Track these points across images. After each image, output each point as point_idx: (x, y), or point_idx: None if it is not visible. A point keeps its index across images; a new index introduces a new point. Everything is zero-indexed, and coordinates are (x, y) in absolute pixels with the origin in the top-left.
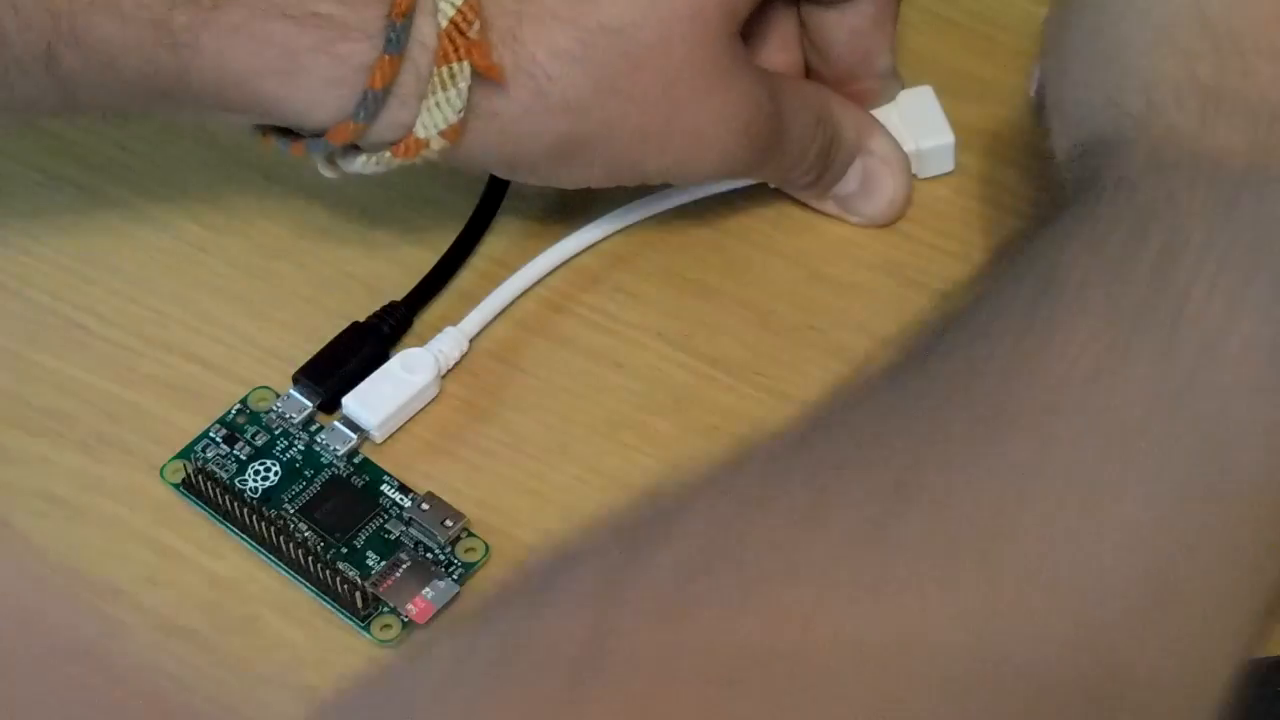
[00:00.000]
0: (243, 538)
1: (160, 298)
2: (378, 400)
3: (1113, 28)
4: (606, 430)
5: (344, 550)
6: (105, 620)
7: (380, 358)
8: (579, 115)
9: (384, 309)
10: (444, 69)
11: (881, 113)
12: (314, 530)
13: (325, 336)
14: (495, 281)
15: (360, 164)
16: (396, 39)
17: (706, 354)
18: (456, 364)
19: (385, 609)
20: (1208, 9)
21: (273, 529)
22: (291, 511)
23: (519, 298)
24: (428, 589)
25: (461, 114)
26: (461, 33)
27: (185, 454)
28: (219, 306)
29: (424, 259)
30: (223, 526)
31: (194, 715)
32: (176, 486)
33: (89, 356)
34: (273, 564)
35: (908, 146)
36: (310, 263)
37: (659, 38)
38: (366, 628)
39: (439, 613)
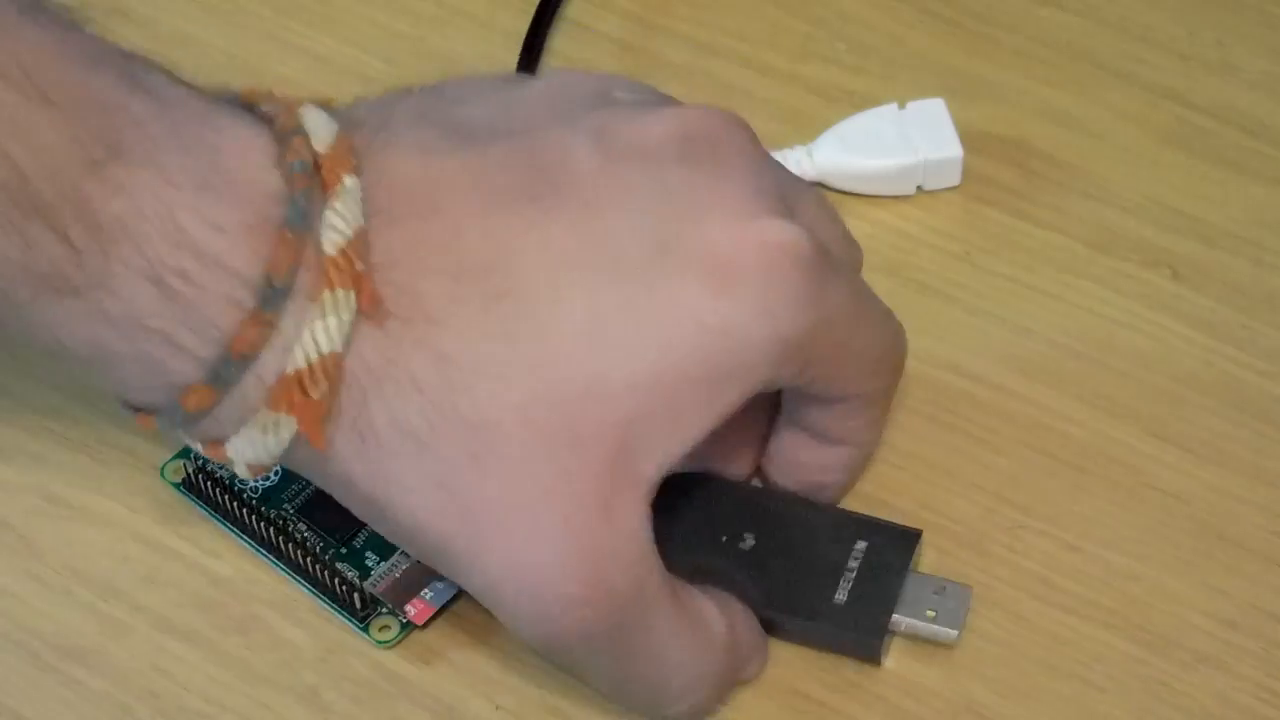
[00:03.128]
0: (243, 538)
1: None
2: None
3: None
4: None
5: (343, 551)
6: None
7: None
8: (395, 490)
9: None
10: (268, 415)
11: (891, 121)
12: (313, 530)
13: None
14: None
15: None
16: (225, 374)
17: None
18: None
19: (384, 610)
20: None
21: (272, 529)
22: (291, 511)
23: None
24: (427, 590)
25: (276, 459)
26: (303, 391)
27: (185, 453)
28: None
29: None
30: (223, 526)
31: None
32: (177, 486)
33: None
34: (272, 564)
35: (915, 157)
36: None
37: (523, 453)
38: (365, 628)
39: (438, 613)
